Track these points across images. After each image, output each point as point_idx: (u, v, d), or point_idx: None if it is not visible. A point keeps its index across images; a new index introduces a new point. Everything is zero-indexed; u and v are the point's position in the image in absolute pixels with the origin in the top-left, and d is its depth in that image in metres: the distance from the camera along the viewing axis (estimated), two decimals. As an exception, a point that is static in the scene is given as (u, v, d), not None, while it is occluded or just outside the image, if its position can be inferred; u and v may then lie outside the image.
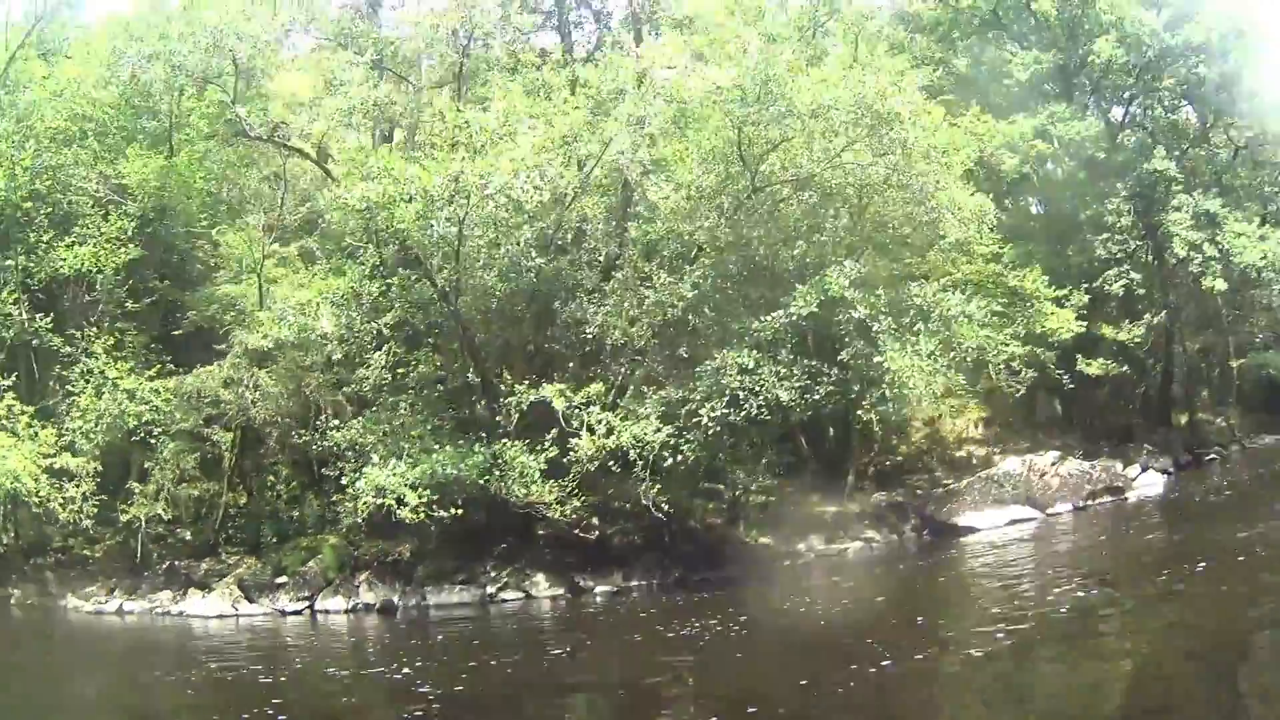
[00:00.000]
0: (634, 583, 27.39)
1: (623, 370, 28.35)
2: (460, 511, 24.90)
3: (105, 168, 30.61)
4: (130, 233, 30.27)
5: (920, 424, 34.34)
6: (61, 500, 26.83)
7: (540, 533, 26.71)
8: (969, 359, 26.22)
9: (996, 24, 36.68)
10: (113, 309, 30.43)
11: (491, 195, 24.43)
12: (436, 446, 25.99)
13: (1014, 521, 29.45)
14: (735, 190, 27.09)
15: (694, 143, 27.70)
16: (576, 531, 26.42)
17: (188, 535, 29.72)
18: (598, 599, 26.88)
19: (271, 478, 31.71)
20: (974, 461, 33.22)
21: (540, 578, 27.55)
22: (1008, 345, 29.21)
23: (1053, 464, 30.69)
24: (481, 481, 25.18)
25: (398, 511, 24.34)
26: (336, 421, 28.36)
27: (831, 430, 32.73)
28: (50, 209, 30.17)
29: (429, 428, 27.35)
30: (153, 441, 28.69)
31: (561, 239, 28.98)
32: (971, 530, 29.12)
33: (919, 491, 31.70)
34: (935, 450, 33.84)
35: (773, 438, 29.99)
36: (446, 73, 31.79)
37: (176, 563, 29.30)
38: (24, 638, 26.80)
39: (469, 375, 28.84)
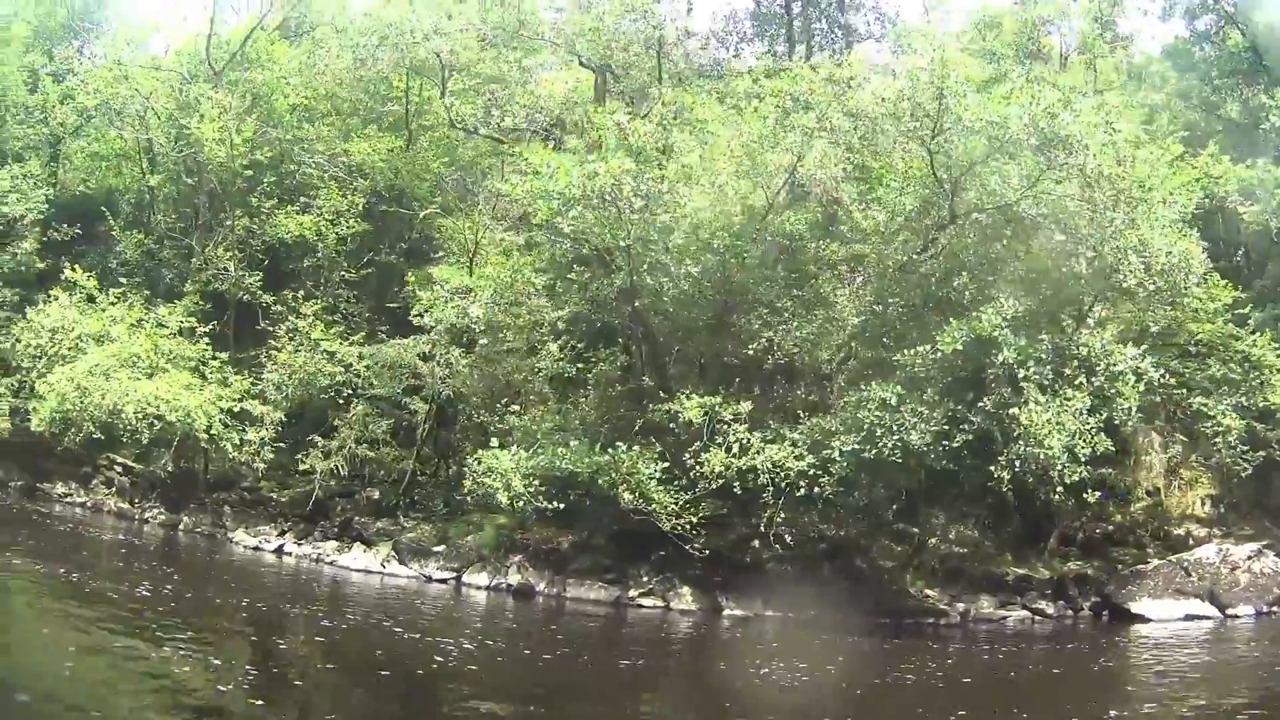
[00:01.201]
0: (770, 611, 27.19)
1: (798, 392, 28.31)
2: (561, 506, 25.69)
3: (339, 146, 33.65)
4: (360, 208, 33.16)
5: (1144, 493, 32.02)
6: (238, 442, 29.91)
7: (697, 547, 26.28)
8: (1127, 423, 24.27)
9: (1259, 65, 33.57)
10: (335, 276, 33.44)
11: (628, 199, 24.89)
12: (575, 442, 26.71)
13: (1189, 618, 26.69)
14: (939, 215, 26.34)
15: (883, 160, 27.31)
16: (689, 545, 25.97)
17: (375, 495, 31.82)
18: (725, 622, 27.01)
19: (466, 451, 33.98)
20: (1190, 541, 30.41)
21: (685, 591, 27.88)
22: (1225, 417, 27.10)
23: (1248, 557, 27.57)
24: (601, 483, 25.66)
25: (498, 495, 25.53)
26: (516, 407, 29.85)
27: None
28: (275, 178, 33.63)
29: (576, 422, 28.48)
30: (341, 401, 31.27)
31: (748, 252, 28.36)
32: (1143, 620, 26.68)
33: (1119, 566, 29.48)
34: (1150, 523, 31.39)
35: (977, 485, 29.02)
36: (649, 77, 32.83)
37: (357, 519, 31.56)
38: (155, 553, 29.92)
39: (644, 378, 29.13)
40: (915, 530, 28.50)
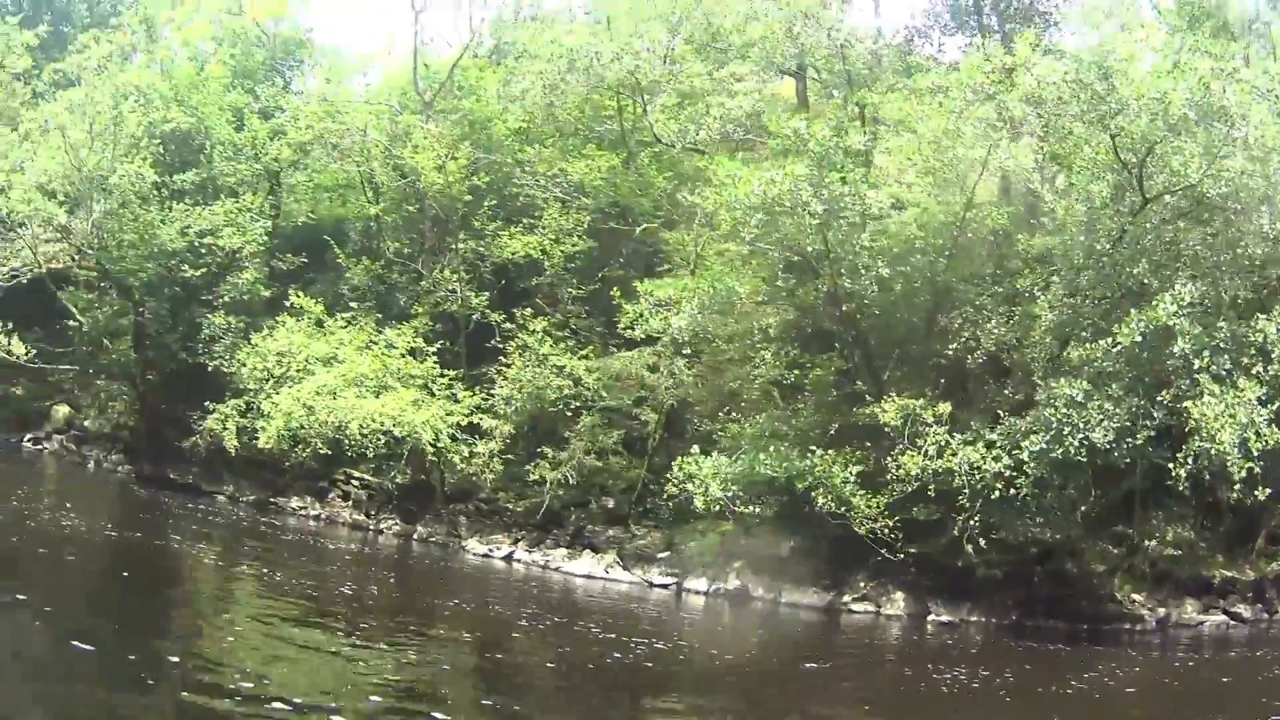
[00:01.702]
0: (975, 617, 27.88)
1: (1005, 391, 28.40)
2: (756, 510, 26.93)
3: (561, 167, 35.50)
4: (585, 226, 35.02)
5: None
6: (466, 454, 32.29)
7: (910, 551, 26.88)
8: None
9: None
10: (564, 293, 35.45)
11: (809, 205, 25.69)
12: (775, 447, 27.68)
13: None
14: (1131, 200, 25.95)
15: (1071, 147, 27.14)
16: (884, 551, 26.49)
17: (610, 503, 33.53)
18: (929, 628, 27.74)
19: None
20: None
21: (898, 596, 28.77)
22: None
23: None
24: (800, 487, 26.59)
25: (695, 500, 26.81)
26: (737, 414, 31.12)
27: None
28: (496, 201, 35.92)
29: (786, 427, 29.32)
30: (570, 414, 33.20)
31: (950, 251, 28.85)
32: (1322, 621, 25.72)
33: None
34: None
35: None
36: (838, 80, 33.66)
37: (589, 527, 33.43)
38: (384, 560, 32.52)
39: (857, 382, 29.60)
40: (1130, 532, 28.33)
